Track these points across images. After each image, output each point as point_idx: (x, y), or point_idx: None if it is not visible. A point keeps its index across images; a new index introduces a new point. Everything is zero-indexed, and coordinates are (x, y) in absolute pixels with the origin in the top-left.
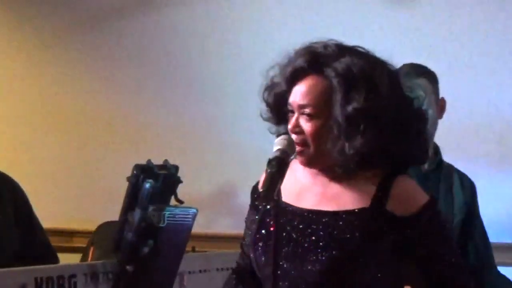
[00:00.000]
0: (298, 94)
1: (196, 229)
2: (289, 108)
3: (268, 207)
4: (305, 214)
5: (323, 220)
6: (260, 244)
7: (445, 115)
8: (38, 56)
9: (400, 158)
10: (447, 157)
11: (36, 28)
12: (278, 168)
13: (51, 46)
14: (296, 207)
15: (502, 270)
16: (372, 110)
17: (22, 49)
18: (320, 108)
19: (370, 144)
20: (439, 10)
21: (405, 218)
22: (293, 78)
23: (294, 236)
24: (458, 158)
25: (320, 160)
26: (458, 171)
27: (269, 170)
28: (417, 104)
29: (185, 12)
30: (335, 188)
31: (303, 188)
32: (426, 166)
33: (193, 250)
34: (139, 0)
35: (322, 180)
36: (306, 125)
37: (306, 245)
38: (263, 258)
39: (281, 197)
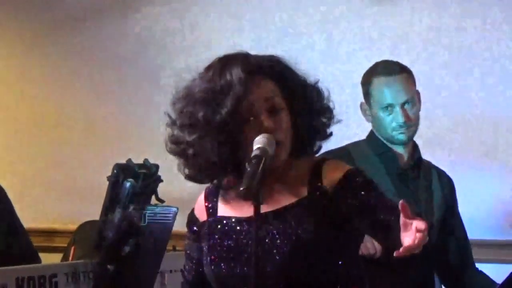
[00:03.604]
0: (261, 89)
1: (177, 228)
2: (247, 114)
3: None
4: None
5: (273, 220)
6: (215, 256)
7: (426, 113)
8: (18, 57)
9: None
10: (427, 155)
11: (16, 29)
12: (258, 166)
13: (31, 47)
14: (243, 217)
15: (481, 267)
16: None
17: (1, 50)
18: (281, 99)
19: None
20: (420, 9)
21: (334, 188)
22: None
23: (250, 242)
24: (438, 155)
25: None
26: (436, 168)
27: (248, 169)
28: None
29: (165, 12)
30: (274, 190)
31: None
32: (405, 162)
33: (174, 249)
34: (119, 0)
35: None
36: (282, 121)
37: (264, 247)
38: (223, 270)
39: (217, 214)
